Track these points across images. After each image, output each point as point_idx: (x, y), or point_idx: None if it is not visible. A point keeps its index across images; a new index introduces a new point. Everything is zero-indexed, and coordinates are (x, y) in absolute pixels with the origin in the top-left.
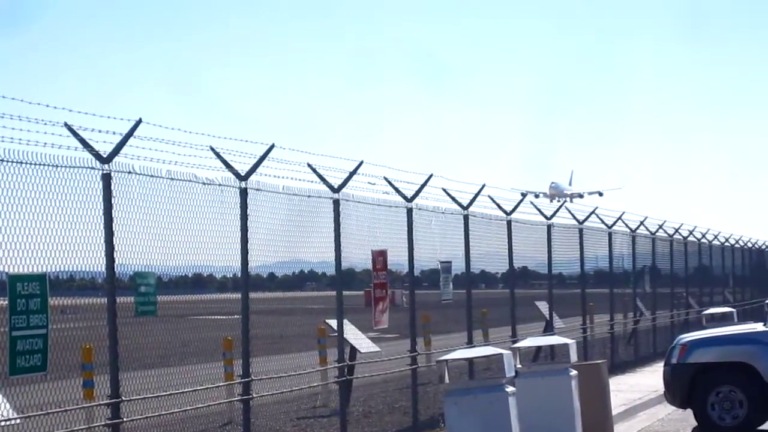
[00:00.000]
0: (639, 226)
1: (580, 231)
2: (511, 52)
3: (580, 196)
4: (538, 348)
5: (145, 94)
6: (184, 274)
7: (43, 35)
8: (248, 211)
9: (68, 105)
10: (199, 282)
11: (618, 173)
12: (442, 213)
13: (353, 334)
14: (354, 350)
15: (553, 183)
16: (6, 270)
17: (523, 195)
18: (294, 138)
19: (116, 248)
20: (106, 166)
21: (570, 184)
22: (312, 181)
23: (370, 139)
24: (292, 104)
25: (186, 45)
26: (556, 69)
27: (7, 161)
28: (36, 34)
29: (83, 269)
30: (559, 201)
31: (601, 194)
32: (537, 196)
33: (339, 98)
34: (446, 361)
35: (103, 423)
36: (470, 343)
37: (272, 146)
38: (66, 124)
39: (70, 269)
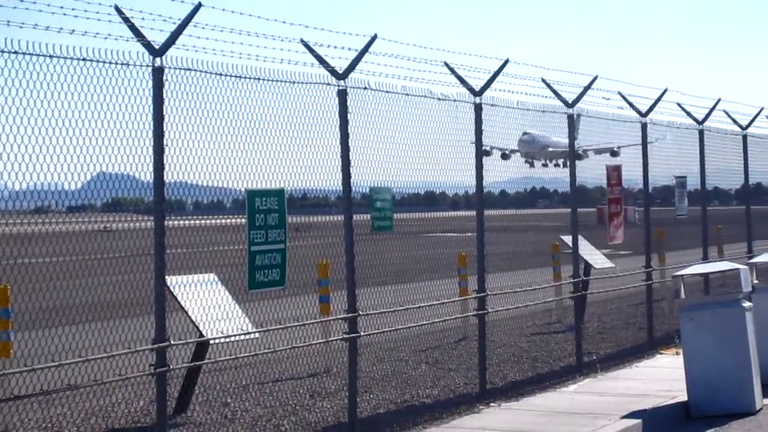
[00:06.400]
0: None
1: None
2: None
3: (579, 156)
4: None
5: (377, 11)
6: (416, 192)
7: None
8: (482, 126)
9: (304, 21)
10: (431, 199)
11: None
12: (677, 128)
13: (588, 250)
14: (588, 266)
15: (526, 134)
16: (245, 187)
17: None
18: (527, 53)
19: (352, 164)
20: (342, 82)
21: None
22: (546, 96)
23: (604, 54)
24: (525, 19)
25: None
26: None
27: (246, 78)
28: None
29: (316, 187)
30: (546, 163)
31: (615, 153)
32: (506, 157)
33: (570, 11)
34: (682, 276)
35: (340, 337)
36: (705, 259)
37: (507, 61)
38: (302, 41)
39: (303, 187)
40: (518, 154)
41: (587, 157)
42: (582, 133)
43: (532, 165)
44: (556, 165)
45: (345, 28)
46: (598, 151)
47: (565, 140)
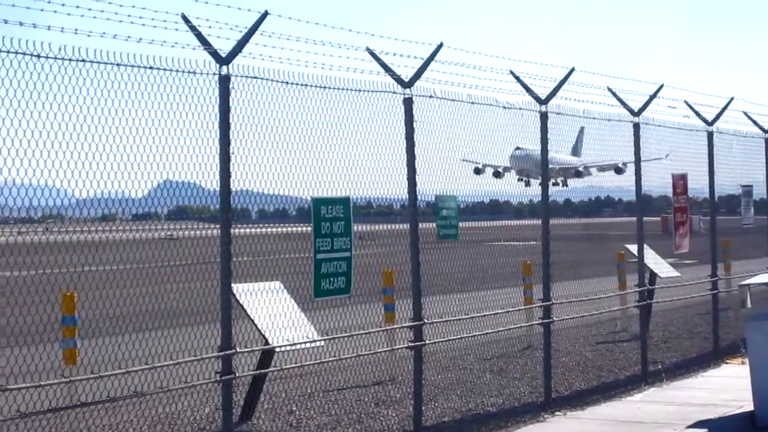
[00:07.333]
0: None
1: None
2: None
3: (578, 173)
4: None
5: (441, 19)
6: (480, 200)
7: None
8: (548, 135)
9: (369, 29)
10: (495, 208)
11: None
12: (743, 136)
13: (653, 259)
14: (654, 275)
15: (518, 149)
16: (310, 195)
17: None
18: (593, 62)
19: (417, 172)
20: (408, 90)
21: (576, 153)
22: (611, 105)
23: (669, 63)
24: (590, 29)
25: None
26: None
27: (311, 86)
28: None
29: (381, 195)
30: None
31: (619, 170)
32: (498, 175)
33: (639, 23)
34: (749, 285)
35: (405, 345)
36: None
37: (572, 70)
38: (367, 49)
39: (368, 195)
40: (512, 171)
41: (589, 174)
42: (647, 142)
43: (527, 184)
44: (555, 184)
45: (410, 36)
46: (602, 168)
47: (563, 156)
